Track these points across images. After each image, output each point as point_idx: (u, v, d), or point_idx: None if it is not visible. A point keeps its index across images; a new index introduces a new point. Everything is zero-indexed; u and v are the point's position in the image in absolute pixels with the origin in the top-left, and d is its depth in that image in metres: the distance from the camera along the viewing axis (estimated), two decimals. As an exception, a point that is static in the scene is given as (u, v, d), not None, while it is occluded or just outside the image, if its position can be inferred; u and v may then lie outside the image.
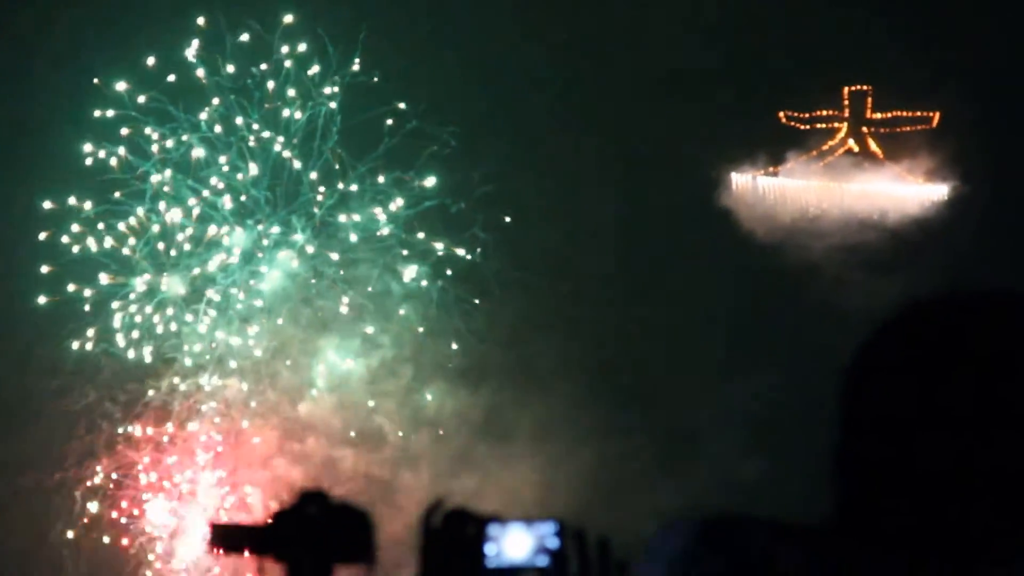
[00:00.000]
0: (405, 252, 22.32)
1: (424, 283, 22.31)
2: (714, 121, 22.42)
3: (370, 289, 22.22)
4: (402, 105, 22.11)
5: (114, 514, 22.01)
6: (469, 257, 22.30)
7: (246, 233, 22.25)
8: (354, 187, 22.33)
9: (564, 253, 22.18)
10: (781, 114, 23.53)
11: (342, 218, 22.33)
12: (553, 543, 3.97)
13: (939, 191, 23.43)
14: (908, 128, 23.62)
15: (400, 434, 22.17)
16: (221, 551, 4.13)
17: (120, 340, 22.02)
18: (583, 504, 20.13)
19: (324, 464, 22.01)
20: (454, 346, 22.25)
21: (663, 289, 22.31)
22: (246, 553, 4.08)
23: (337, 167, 22.30)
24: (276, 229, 22.32)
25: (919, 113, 23.46)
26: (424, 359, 22.18)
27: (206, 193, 22.16)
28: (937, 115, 23.26)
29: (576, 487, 21.00)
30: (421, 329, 22.21)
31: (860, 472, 2.63)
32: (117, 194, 22.16)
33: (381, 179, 22.25)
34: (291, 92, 22.27)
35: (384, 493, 20.96)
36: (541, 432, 21.85)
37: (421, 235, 22.31)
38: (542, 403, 21.82)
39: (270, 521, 4.05)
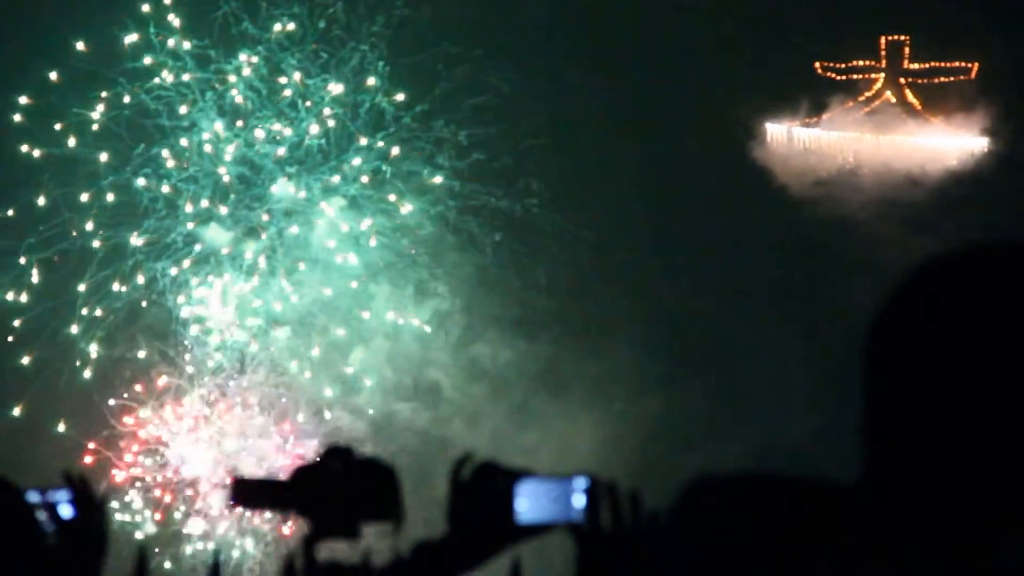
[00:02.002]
0: (455, 204, 22.23)
1: (477, 233, 22.22)
2: (751, 73, 22.24)
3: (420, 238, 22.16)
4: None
5: (158, 463, 22.00)
6: (523, 209, 22.18)
7: (294, 183, 22.18)
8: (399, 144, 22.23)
9: (611, 207, 22.05)
10: (817, 64, 23.29)
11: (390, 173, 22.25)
12: (584, 498, 3.90)
13: (979, 143, 23.16)
14: (946, 79, 23.33)
15: (455, 387, 22.12)
16: (243, 506, 4.07)
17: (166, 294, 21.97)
18: (638, 458, 20.07)
19: (378, 418, 21.99)
20: (510, 298, 22.16)
21: (710, 244, 22.20)
22: (269, 508, 4.03)
23: (390, 109, 22.14)
24: (328, 179, 22.24)
25: (958, 63, 23.17)
26: (479, 311, 22.12)
27: (260, 135, 22.04)
28: (976, 65, 22.96)
29: (632, 442, 20.94)
30: (476, 280, 22.13)
31: (891, 434, 2.52)
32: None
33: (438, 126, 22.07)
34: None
35: (439, 448, 20.94)
36: (598, 386, 21.79)
37: (475, 185, 22.21)
38: (600, 356, 21.75)
39: (294, 476, 4.00)
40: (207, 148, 21.92)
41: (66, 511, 4.22)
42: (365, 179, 22.15)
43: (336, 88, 21.97)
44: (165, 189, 21.87)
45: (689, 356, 21.74)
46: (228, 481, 4.02)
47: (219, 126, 21.90)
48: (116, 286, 21.80)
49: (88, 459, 21.60)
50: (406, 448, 21.24)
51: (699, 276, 22.19)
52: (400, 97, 22.11)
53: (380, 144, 22.13)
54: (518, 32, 22.11)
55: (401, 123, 22.16)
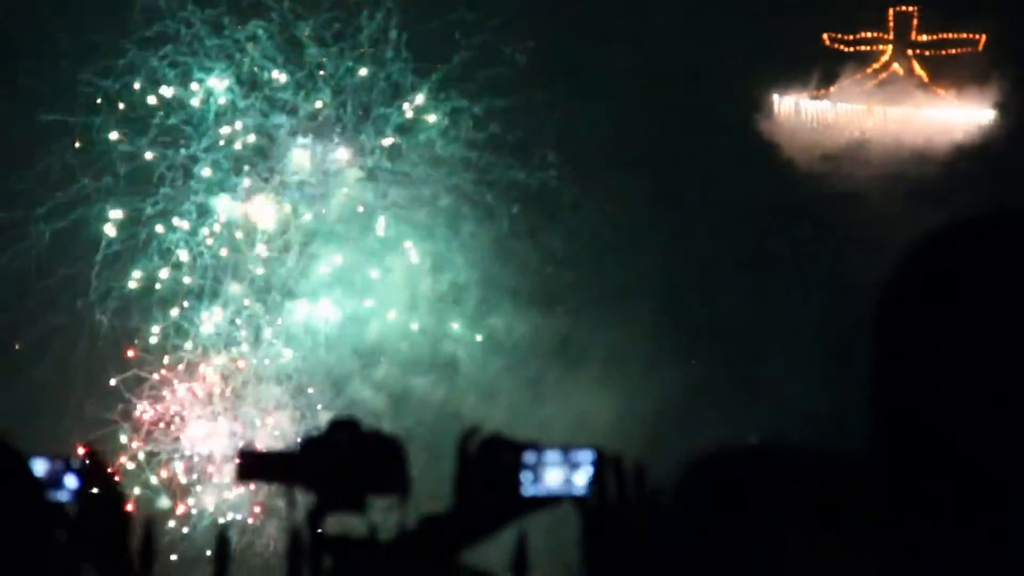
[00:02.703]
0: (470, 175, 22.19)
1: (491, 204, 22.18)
2: (757, 43, 22.17)
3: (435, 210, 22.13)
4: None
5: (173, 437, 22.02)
6: (540, 182, 22.13)
7: (309, 154, 22.15)
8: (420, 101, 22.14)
9: (624, 180, 22.01)
10: (825, 36, 23.20)
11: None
12: (590, 471, 3.90)
13: (986, 115, 23.06)
14: (955, 51, 23.22)
15: (471, 360, 22.12)
16: (250, 480, 4.06)
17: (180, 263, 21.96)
18: (653, 430, 20.06)
19: (394, 390, 22.00)
20: (526, 270, 22.13)
21: (725, 214, 22.15)
22: (275, 481, 4.02)
23: (408, 80, 22.08)
24: (343, 151, 22.21)
25: (966, 35, 23.05)
26: (495, 283, 22.09)
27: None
28: (984, 37, 22.85)
29: (648, 413, 20.93)
30: (493, 252, 22.10)
31: (895, 401, 2.51)
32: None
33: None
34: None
35: (455, 422, 20.93)
36: (614, 357, 21.78)
37: (491, 157, 22.17)
38: (615, 328, 21.72)
39: (299, 449, 3.99)
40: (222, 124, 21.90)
41: (71, 481, 4.22)
42: (387, 141, 22.07)
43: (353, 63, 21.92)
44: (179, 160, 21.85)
45: (704, 327, 21.72)
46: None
47: (226, 95, 21.86)
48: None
49: (101, 433, 21.64)
50: (422, 422, 21.27)
51: (714, 247, 22.15)
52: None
53: (399, 114, 22.09)
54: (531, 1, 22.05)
55: (417, 93, 22.10)
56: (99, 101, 21.67)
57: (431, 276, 22.08)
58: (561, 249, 22.16)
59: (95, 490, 4.31)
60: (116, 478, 4.43)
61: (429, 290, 22.08)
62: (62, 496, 4.17)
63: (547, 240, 22.16)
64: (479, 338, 22.06)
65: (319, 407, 21.87)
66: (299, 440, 3.96)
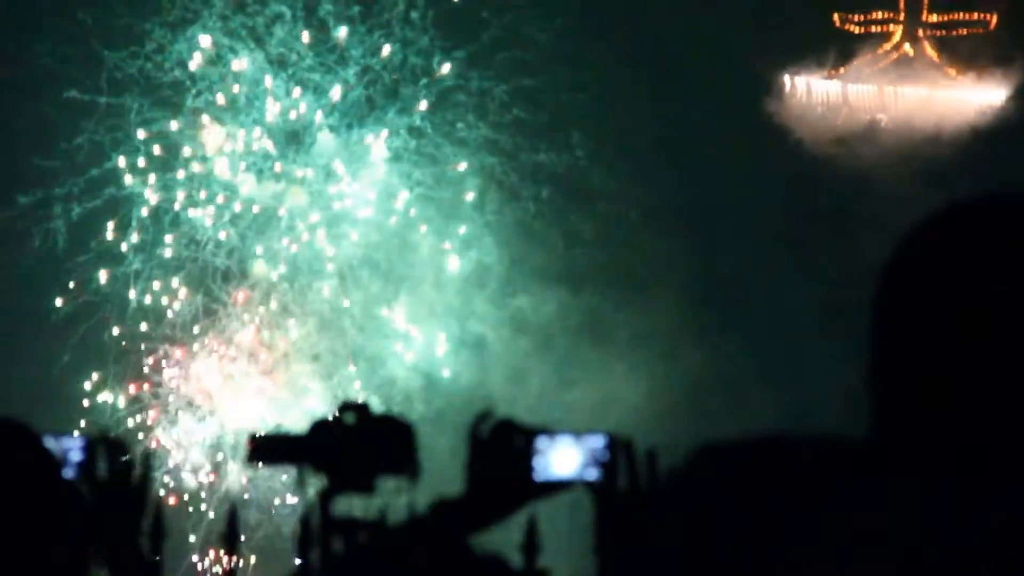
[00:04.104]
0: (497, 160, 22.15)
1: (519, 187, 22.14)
2: (767, 22, 22.09)
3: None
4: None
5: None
6: (565, 164, 22.08)
7: (336, 137, 22.14)
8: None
9: (644, 162, 21.98)
10: (835, 16, 23.10)
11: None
12: (603, 456, 3.87)
13: (997, 96, 22.92)
14: (965, 31, 23.09)
15: (499, 340, 22.11)
16: (260, 463, 4.05)
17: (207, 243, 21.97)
18: (678, 413, 20.04)
19: (425, 371, 22.01)
20: (553, 250, 22.10)
21: (752, 195, 22.11)
22: (285, 464, 4.01)
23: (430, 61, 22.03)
24: (369, 132, 22.18)
25: (976, 15, 22.92)
26: (521, 263, 22.07)
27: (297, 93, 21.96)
28: (995, 17, 22.71)
29: (675, 394, 20.90)
30: (520, 233, 22.06)
31: (897, 387, 2.48)
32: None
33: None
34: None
35: (483, 402, 20.88)
36: (641, 338, 21.75)
37: (518, 139, 22.12)
38: (642, 309, 21.69)
39: (309, 431, 3.98)
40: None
41: (77, 457, 4.22)
42: (425, 108, 21.97)
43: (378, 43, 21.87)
44: (210, 144, 21.84)
45: (730, 308, 21.68)
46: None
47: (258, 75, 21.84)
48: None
49: (129, 411, 21.71)
50: (451, 404, 21.30)
51: (733, 229, 22.11)
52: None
53: (425, 94, 22.05)
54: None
55: (442, 73, 22.05)
56: (130, 78, 21.66)
57: (458, 256, 22.05)
58: (589, 230, 22.11)
59: (106, 472, 4.30)
60: (128, 459, 4.43)
61: (456, 270, 22.06)
62: (67, 472, 4.17)
63: (574, 222, 22.13)
64: (503, 317, 22.03)
65: (354, 386, 21.87)
66: (309, 422, 3.95)
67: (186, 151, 21.85)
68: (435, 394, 21.79)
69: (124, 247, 21.69)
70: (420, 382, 21.90)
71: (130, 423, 21.68)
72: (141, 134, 21.76)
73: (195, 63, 21.79)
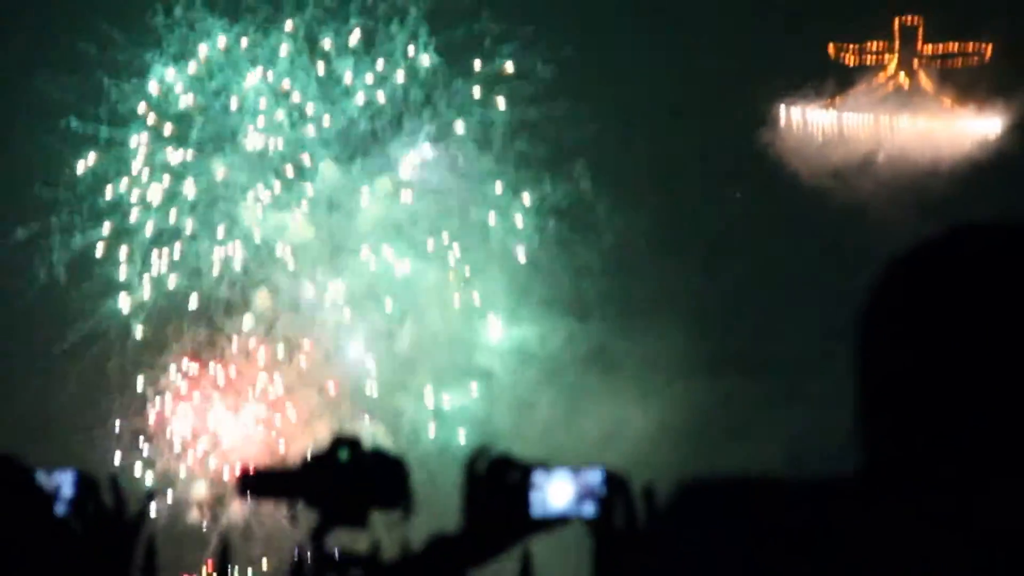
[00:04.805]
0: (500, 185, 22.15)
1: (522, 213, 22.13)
2: (764, 53, 22.12)
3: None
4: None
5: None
6: (570, 197, 22.08)
7: (339, 168, 22.14)
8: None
9: (646, 192, 22.02)
10: (831, 46, 23.11)
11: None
12: (599, 491, 3.85)
13: (992, 127, 22.90)
14: (960, 62, 23.09)
15: (505, 370, 22.08)
16: (252, 497, 4.02)
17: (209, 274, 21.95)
18: (686, 444, 20.01)
19: (425, 403, 21.97)
20: (559, 281, 22.08)
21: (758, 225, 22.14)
22: (277, 498, 3.97)
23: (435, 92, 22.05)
24: (372, 162, 22.17)
25: (972, 46, 22.92)
26: (528, 293, 22.05)
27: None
28: (990, 48, 22.70)
29: (680, 426, 20.87)
30: (523, 262, 22.05)
31: (883, 421, 2.47)
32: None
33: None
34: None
35: (488, 436, 20.86)
36: (647, 368, 21.73)
37: (521, 170, 22.12)
38: (649, 338, 21.67)
39: (301, 466, 3.95)
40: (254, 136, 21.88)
41: (68, 493, 4.17)
42: (417, 153, 21.99)
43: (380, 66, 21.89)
44: (219, 173, 21.86)
45: (736, 338, 21.67)
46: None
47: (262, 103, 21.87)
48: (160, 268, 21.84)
49: (131, 442, 21.67)
50: (457, 436, 21.30)
51: (744, 258, 22.12)
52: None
53: (429, 125, 22.07)
54: (544, 14, 22.04)
55: (447, 104, 22.07)
56: (131, 112, 21.70)
57: (464, 287, 22.04)
58: (594, 260, 22.11)
59: (97, 509, 4.26)
60: (122, 495, 4.38)
61: (462, 301, 22.04)
62: (59, 508, 4.13)
63: (581, 253, 22.13)
64: (509, 348, 22.01)
65: (361, 416, 21.83)
66: (302, 457, 3.92)
67: (188, 182, 21.86)
68: (442, 426, 21.76)
69: (125, 277, 21.68)
70: (427, 414, 21.86)
71: (131, 457, 21.63)
72: (139, 165, 21.78)
73: (193, 97, 21.83)
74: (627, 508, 3.78)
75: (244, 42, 21.79)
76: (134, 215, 21.79)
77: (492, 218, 22.07)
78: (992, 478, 2.36)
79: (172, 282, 21.79)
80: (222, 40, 21.77)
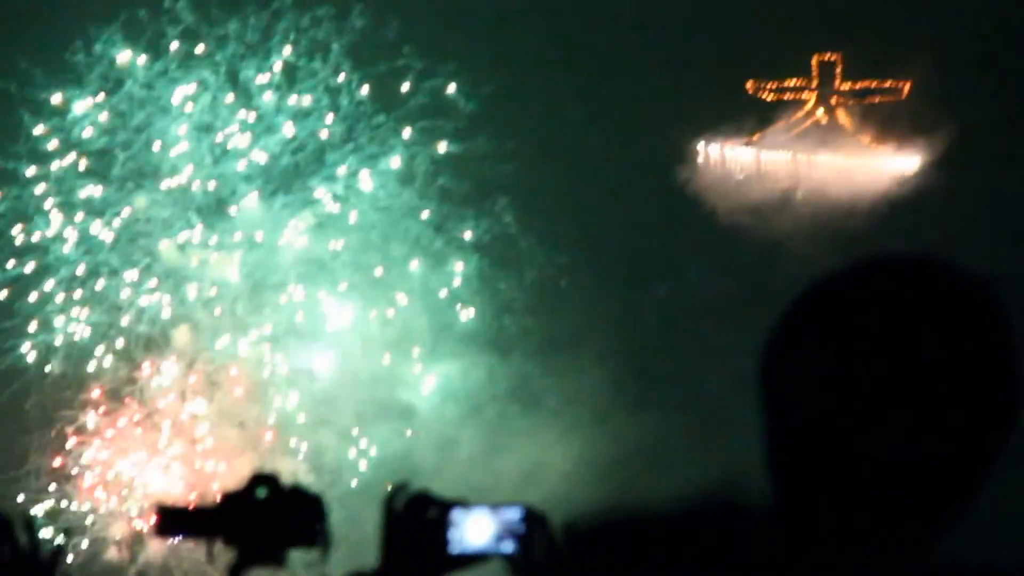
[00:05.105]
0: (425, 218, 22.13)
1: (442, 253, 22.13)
2: (682, 90, 22.24)
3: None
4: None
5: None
6: (492, 232, 22.11)
7: (261, 203, 22.05)
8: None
9: (567, 227, 22.08)
10: (749, 83, 23.25)
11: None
12: (518, 528, 3.84)
13: (909, 163, 23.11)
14: (878, 99, 23.29)
15: (427, 408, 22.03)
16: (167, 535, 3.98)
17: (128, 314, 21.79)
18: (611, 479, 20.03)
19: (347, 440, 21.88)
20: (482, 316, 22.08)
21: (676, 260, 22.24)
22: (194, 536, 3.94)
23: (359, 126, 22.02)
24: (294, 198, 22.10)
25: (890, 83, 23.13)
26: (448, 328, 22.03)
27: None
28: (908, 85, 22.92)
29: (605, 461, 20.89)
30: (445, 297, 22.03)
31: (784, 463, 2.49)
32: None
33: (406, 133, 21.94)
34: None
35: (408, 472, 20.78)
36: (570, 403, 21.74)
37: (443, 206, 22.13)
38: (572, 375, 21.69)
39: (218, 504, 3.92)
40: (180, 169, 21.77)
41: None
42: (338, 188, 21.97)
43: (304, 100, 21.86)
44: (139, 209, 21.73)
45: (656, 375, 21.73)
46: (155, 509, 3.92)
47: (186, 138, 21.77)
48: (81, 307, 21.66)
49: (48, 484, 21.44)
50: (378, 474, 21.22)
51: (664, 295, 22.22)
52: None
53: (351, 160, 22.03)
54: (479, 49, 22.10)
55: (369, 139, 22.05)
56: (56, 147, 21.56)
57: (384, 324, 21.99)
58: (516, 296, 22.13)
59: (12, 551, 4.21)
60: (37, 536, 4.33)
61: (382, 337, 21.98)
62: None
63: (502, 288, 22.14)
64: (433, 385, 21.97)
65: (282, 453, 21.72)
66: (218, 495, 3.89)
67: (109, 218, 21.71)
68: (362, 464, 21.68)
69: (43, 314, 21.50)
70: (348, 451, 21.78)
71: (47, 495, 21.41)
72: (50, 206, 21.63)
73: (112, 132, 21.72)
74: (546, 545, 3.77)
75: (165, 78, 21.70)
76: (53, 252, 21.62)
77: (414, 254, 22.07)
78: (900, 515, 2.37)
79: (91, 318, 21.62)
80: (142, 76, 21.68)
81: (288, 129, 21.94)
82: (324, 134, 21.97)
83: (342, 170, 21.99)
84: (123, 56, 21.59)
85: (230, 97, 21.80)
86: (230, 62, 21.77)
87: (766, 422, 2.54)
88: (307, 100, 21.96)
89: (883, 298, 2.44)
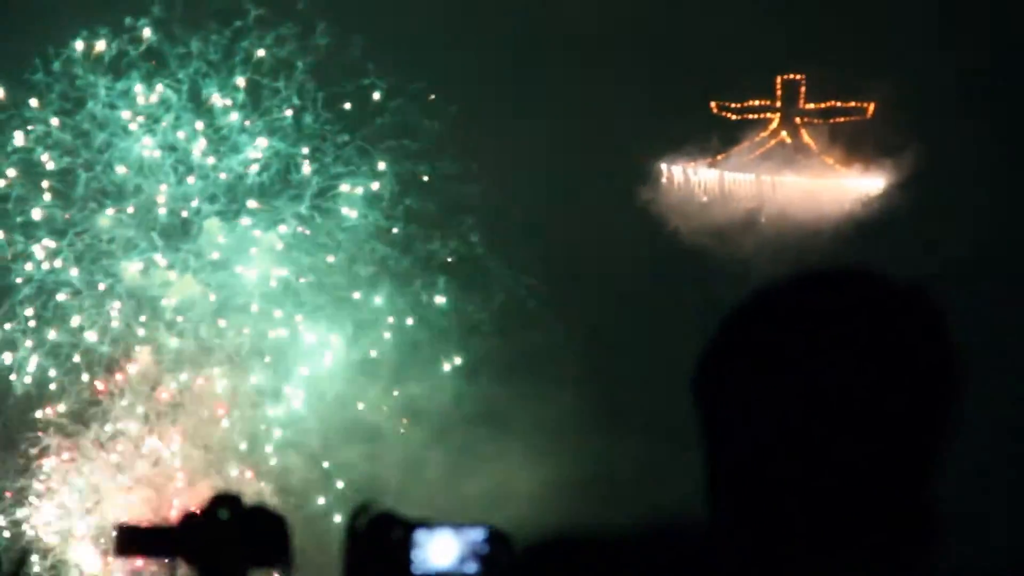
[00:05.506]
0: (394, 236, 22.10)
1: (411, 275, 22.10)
2: (647, 111, 22.26)
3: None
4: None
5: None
6: (459, 252, 22.09)
7: (225, 224, 21.98)
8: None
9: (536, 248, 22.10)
10: (713, 104, 23.27)
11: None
12: (482, 549, 3.82)
13: (873, 184, 23.16)
14: (842, 119, 23.34)
15: (393, 429, 21.97)
16: (129, 554, 3.95)
17: (91, 334, 21.68)
18: (577, 501, 20.00)
19: (314, 462, 21.80)
20: (447, 338, 22.04)
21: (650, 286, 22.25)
22: (155, 556, 3.92)
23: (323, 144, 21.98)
24: (259, 219, 22.04)
25: (854, 104, 23.18)
26: (416, 351, 21.98)
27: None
28: (872, 106, 22.98)
29: (571, 484, 20.86)
30: (411, 321, 21.97)
31: (727, 477, 2.48)
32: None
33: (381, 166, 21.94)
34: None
35: (374, 494, 20.70)
36: (536, 428, 21.70)
37: (409, 226, 22.10)
38: (539, 398, 21.65)
39: (179, 524, 3.90)
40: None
41: None
42: (303, 209, 21.92)
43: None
44: (102, 229, 21.63)
45: (621, 398, 21.73)
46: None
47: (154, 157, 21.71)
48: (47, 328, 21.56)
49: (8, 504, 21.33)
50: (344, 495, 21.16)
51: (629, 317, 22.23)
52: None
53: (316, 180, 21.99)
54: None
55: (334, 159, 21.99)
56: (18, 166, 21.49)
57: (350, 346, 21.92)
58: (482, 318, 22.10)
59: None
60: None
61: (348, 360, 21.91)
62: None
63: (468, 310, 22.11)
64: (397, 406, 21.91)
65: (247, 474, 21.62)
66: (179, 514, 3.87)
67: (72, 238, 21.61)
68: (330, 485, 21.60)
69: (4, 334, 21.39)
70: (316, 472, 21.70)
71: (9, 516, 21.30)
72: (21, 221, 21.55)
73: (76, 152, 21.66)
74: (510, 566, 3.76)
75: (128, 97, 21.63)
76: (16, 271, 21.52)
77: (380, 274, 22.01)
78: (844, 540, 2.36)
79: (54, 339, 21.51)
80: (105, 95, 21.59)
81: (252, 149, 21.88)
82: (289, 154, 21.92)
83: (307, 191, 21.94)
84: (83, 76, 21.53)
85: (194, 119, 21.74)
86: (193, 80, 21.70)
87: (703, 440, 2.54)
88: (271, 119, 21.91)
89: (811, 310, 2.44)
